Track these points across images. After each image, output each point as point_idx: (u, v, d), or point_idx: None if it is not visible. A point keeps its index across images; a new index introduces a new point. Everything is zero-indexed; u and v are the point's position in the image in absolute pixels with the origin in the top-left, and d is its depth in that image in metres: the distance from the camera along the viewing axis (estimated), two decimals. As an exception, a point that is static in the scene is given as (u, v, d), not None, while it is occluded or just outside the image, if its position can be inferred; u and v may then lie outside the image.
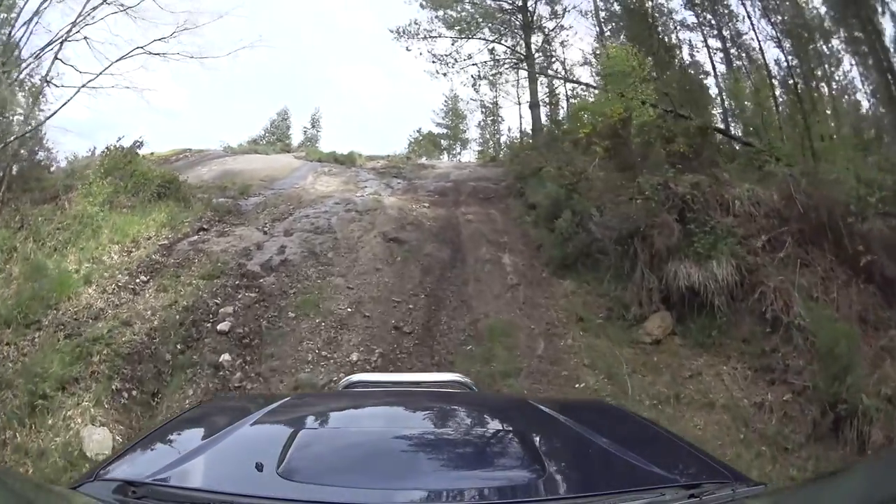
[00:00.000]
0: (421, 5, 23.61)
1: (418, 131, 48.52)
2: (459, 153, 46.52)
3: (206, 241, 13.41)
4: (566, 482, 1.86)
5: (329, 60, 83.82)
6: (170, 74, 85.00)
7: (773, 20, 17.64)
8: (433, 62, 24.22)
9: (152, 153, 21.33)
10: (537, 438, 2.08)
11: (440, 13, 23.79)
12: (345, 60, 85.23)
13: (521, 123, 36.56)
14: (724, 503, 1.61)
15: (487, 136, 45.39)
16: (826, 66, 16.69)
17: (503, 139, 41.38)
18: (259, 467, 1.66)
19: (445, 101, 46.91)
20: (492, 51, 24.43)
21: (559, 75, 21.83)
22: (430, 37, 23.82)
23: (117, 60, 17.16)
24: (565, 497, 1.75)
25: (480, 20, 23.63)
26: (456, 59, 24.42)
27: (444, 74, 24.50)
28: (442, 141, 48.02)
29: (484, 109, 41.61)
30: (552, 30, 23.88)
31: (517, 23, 23.82)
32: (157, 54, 18.17)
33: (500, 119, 42.55)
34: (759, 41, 17.95)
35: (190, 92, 78.92)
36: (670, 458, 2.05)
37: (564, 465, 1.94)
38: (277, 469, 1.65)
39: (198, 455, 1.86)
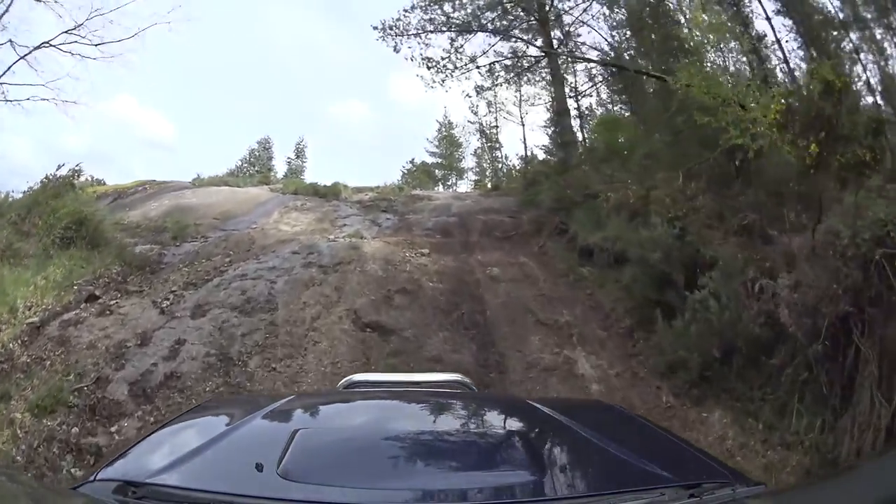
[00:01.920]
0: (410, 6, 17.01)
1: (411, 162, 42.55)
2: (455, 183, 40.47)
3: (81, 321, 8.47)
4: (566, 482, 1.66)
5: (319, 94, 77.73)
6: (160, 107, 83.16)
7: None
8: (428, 68, 17.55)
9: (92, 186, 19.24)
10: (537, 438, 1.96)
11: (434, 13, 17.23)
12: (335, 94, 79.29)
13: (525, 146, 30.73)
14: (724, 503, 1.47)
15: (485, 163, 39.60)
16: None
17: (508, 164, 35.46)
18: (259, 467, 1.49)
19: (439, 129, 41.02)
20: (506, 39, 17.71)
21: (606, 59, 15.00)
22: (425, 31, 17.25)
23: (18, 60, 15.08)
24: (565, 497, 1.55)
25: (483, 12, 17.11)
26: (456, 65, 17.81)
27: (442, 82, 17.98)
28: (436, 171, 41.66)
29: (482, 134, 35.94)
30: (574, 21, 17.27)
31: (533, 14, 17.19)
32: (55, 46, 15.54)
33: (498, 145, 36.44)
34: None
35: (184, 125, 74.95)
36: (670, 458, 1.86)
37: (564, 465, 1.79)
38: (277, 469, 1.49)
39: (198, 455, 1.66)
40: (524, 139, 33.63)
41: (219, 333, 7.85)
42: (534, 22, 17.12)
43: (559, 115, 16.47)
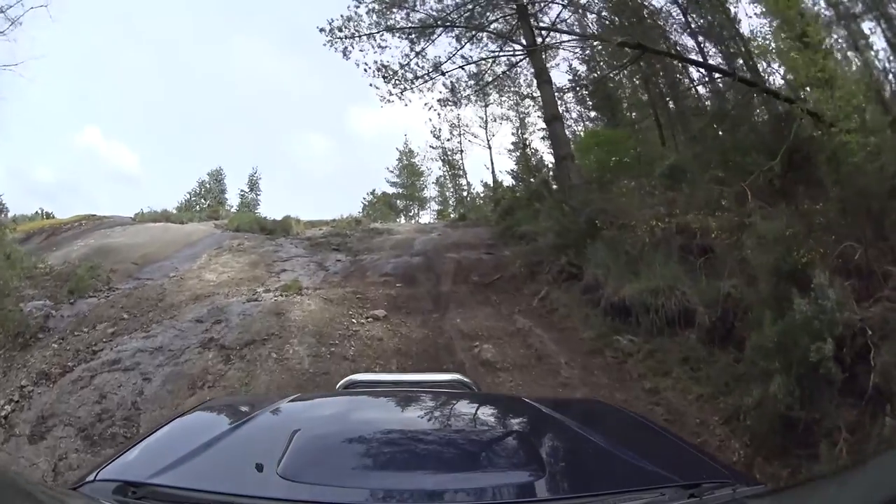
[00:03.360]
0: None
1: (372, 193, 38.39)
2: (417, 214, 36.94)
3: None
4: (566, 482, 1.57)
5: (278, 126, 73.34)
6: (124, 139, 77.76)
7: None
8: (384, 77, 13.79)
9: (12, 222, 18.73)
10: (537, 438, 1.79)
11: (391, 19, 13.60)
12: (295, 126, 74.94)
13: (493, 171, 27.57)
14: (725, 503, 1.35)
15: (449, 192, 36.14)
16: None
17: (474, 191, 32.53)
18: (259, 467, 1.39)
19: (399, 158, 37.23)
20: (474, 41, 14.05)
21: (629, 41, 11.07)
22: (381, 30, 13.50)
23: None
24: (565, 497, 1.46)
25: (450, 10, 13.50)
26: (416, 73, 14.11)
27: (402, 93, 14.10)
28: (397, 202, 38.06)
29: (445, 161, 32.67)
30: (555, 21, 13.72)
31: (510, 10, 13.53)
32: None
33: (461, 172, 33.22)
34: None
35: (148, 157, 70.18)
36: (670, 458, 1.73)
37: (564, 465, 1.65)
38: (277, 469, 1.39)
39: (198, 455, 1.56)
40: (492, 163, 30.11)
41: (52, 480, 5.05)
42: (512, 16, 13.44)
43: (550, 122, 12.38)
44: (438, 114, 27.49)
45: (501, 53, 14.17)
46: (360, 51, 13.59)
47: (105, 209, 21.51)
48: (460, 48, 13.95)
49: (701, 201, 6.50)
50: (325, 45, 13.64)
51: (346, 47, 13.41)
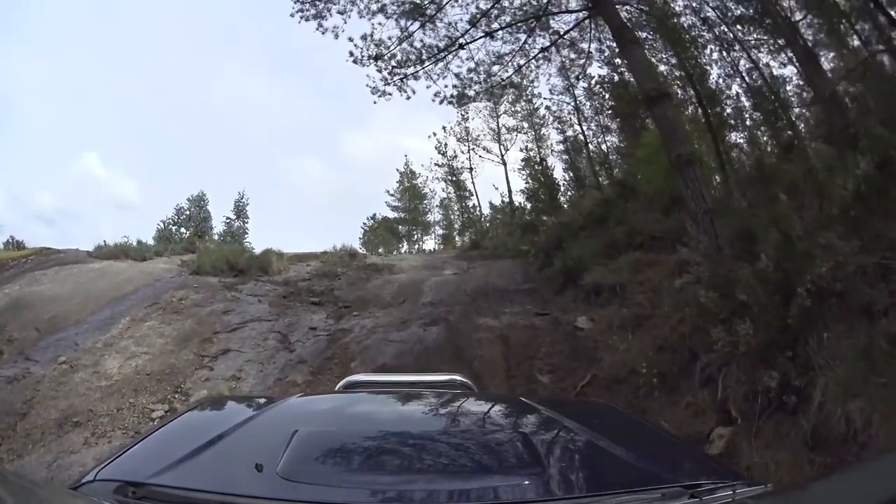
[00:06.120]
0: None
1: (372, 218, 35.39)
2: (421, 240, 34.03)
3: None
4: (566, 482, 1.57)
5: (274, 153, 70.27)
6: (123, 165, 75.99)
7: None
8: (377, 59, 9.69)
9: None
10: (537, 439, 1.80)
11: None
12: (290, 153, 71.69)
13: (509, 189, 23.96)
14: (725, 503, 1.37)
15: (455, 215, 32.95)
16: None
17: (485, 213, 28.95)
18: (259, 467, 1.42)
19: (400, 179, 34.10)
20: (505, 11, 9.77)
21: None
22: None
23: None
24: (565, 497, 1.47)
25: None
26: (422, 54, 9.94)
27: (401, 83, 10.05)
28: (399, 227, 34.80)
29: (450, 181, 29.86)
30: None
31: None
32: None
33: (468, 193, 30.11)
34: None
35: (146, 183, 67.70)
36: (670, 458, 1.78)
37: (564, 466, 1.67)
38: (277, 469, 1.42)
39: (198, 455, 1.60)
40: (507, 181, 26.52)
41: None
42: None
43: (655, 102, 7.36)
44: (446, 127, 23.60)
45: (554, 10, 9.60)
46: (340, 13, 9.44)
47: (107, 236, 19.10)
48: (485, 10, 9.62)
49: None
50: (293, 15, 9.49)
51: (320, 11, 9.24)
